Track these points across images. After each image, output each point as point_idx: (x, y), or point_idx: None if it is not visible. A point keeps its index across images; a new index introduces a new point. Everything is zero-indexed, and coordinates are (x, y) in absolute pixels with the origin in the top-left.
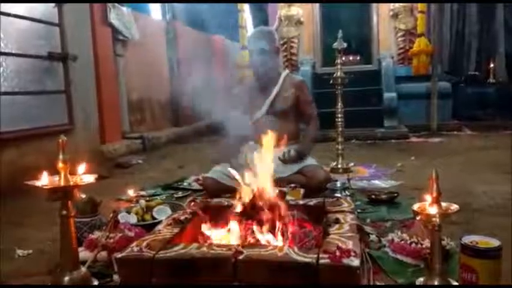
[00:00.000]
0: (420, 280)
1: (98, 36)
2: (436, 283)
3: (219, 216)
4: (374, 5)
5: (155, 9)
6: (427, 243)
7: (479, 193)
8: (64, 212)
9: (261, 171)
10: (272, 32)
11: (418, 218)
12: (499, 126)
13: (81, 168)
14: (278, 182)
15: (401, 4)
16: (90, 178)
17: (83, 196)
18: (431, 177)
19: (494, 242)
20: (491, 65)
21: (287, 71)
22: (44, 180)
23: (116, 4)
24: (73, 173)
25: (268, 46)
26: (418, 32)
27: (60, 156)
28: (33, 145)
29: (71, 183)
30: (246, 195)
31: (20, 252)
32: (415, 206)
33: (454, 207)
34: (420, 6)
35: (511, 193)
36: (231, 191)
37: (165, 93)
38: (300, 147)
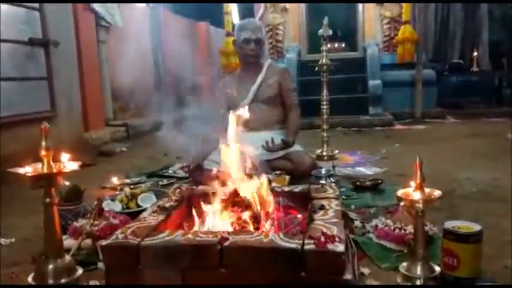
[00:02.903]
0: (403, 265)
1: (80, 22)
2: (418, 268)
3: (204, 203)
4: None
5: None
6: (410, 228)
7: (463, 179)
8: (47, 200)
9: (246, 157)
10: (262, 25)
11: (401, 203)
12: (482, 113)
13: (65, 155)
14: (263, 165)
15: None
16: (73, 165)
17: (67, 183)
18: (415, 164)
19: (475, 227)
20: (475, 54)
21: (270, 60)
22: (27, 167)
23: None
24: (56, 160)
25: (262, 37)
26: (403, 19)
27: (43, 143)
28: (15, 132)
29: (54, 170)
30: (231, 182)
31: (2, 240)
32: (399, 192)
33: (437, 193)
34: None
35: (493, 179)
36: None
37: (149, 80)
38: (285, 135)
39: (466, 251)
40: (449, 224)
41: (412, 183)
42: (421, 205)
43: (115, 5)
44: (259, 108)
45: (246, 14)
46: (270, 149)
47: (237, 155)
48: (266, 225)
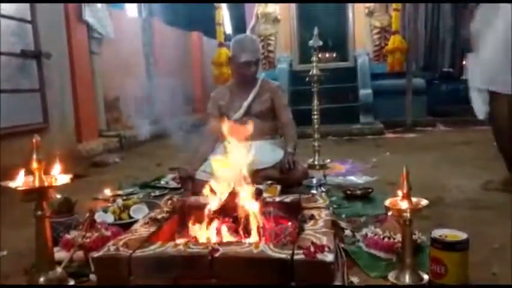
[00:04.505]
0: (392, 274)
1: (72, 33)
2: (407, 276)
3: (196, 214)
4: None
5: (131, 6)
6: (399, 237)
7: (452, 187)
8: (39, 213)
9: (237, 167)
10: (258, 41)
11: (389, 213)
12: (472, 121)
13: (56, 168)
14: (254, 174)
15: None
16: (65, 178)
17: (58, 196)
18: (402, 174)
19: (462, 235)
20: (465, 62)
21: (263, 74)
22: (18, 181)
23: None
24: (48, 172)
25: (260, 55)
26: (393, 29)
27: (34, 157)
28: (8, 144)
29: (46, 183)
30: (223, 193)
31: None
32: (387, 202)
33: (424, 202)
34: (395, 4)
35: (481, 187)
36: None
37: (142, 91)
38: (283, 147)
39: (453, 259)
40: (437, 233)
41: (400, 193)
42: (408, 214)
43: (107, 16)
44: (251, 121)
45: (238, 24)
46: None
47: (229, 165)
48: (256, 236)
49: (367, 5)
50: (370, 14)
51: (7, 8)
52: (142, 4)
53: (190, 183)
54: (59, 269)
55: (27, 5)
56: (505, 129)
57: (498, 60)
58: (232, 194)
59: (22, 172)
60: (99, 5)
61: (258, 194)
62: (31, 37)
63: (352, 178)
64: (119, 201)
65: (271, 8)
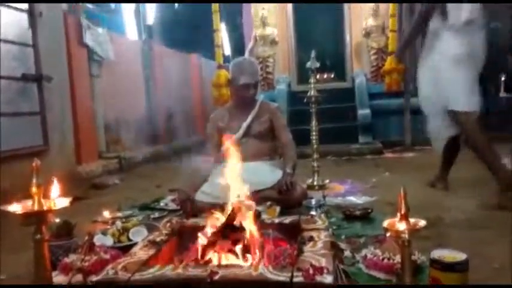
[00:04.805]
0: None
1: (73, 56)
2: None
3: (195, 237)
4: (347, 24)
5: (131, 29)
6: (398, 258)
7: (451, 207)
8: (38, 236)
9: (236, 189)
10: (256, 63)
11: (388, 234)
12: None
13: (55, 191)
14: (253, 196)
15: (373, 24)
16: (64, 202)
17: (57, 220)
18: (399, 195)
19: (461, 256)
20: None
21: (262, 96)
22: (17, 205)
23: (91, 25)
24: (48, 195)
25: (258, 77)
26: (390, 50)
27: (34, 181)
28: (8, 167)
29: (45, 207)
30: (221, 215)
31: None
32: (385, 223)
33: (422, 222)
34: (391, 25)
35: (480, 206)
36: (208, 209)
37: (142, 113)
38: (281, 167)
39: (452, 280)
40: (436, 254)
41: (398, 214)
42: (406, 235)
43: (107, 38)
44: (250, 142)
45: (237, 46)
46: (287, 185)
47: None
48: (256, 258)
49: (364, 26)
50: (367, 35)
51: (9, 33)
52: (142, 27)
53: (190, 205)
54: None
55: (29, 29)
56: (479, 143)
57: (455, 81)
58: (231, 216)
59: (17, 204)
60: (99, 29)
61: (257, 216)
62: (32, 61)
63: (352, 198)
64: (118, 223)
65: (269, 30)
